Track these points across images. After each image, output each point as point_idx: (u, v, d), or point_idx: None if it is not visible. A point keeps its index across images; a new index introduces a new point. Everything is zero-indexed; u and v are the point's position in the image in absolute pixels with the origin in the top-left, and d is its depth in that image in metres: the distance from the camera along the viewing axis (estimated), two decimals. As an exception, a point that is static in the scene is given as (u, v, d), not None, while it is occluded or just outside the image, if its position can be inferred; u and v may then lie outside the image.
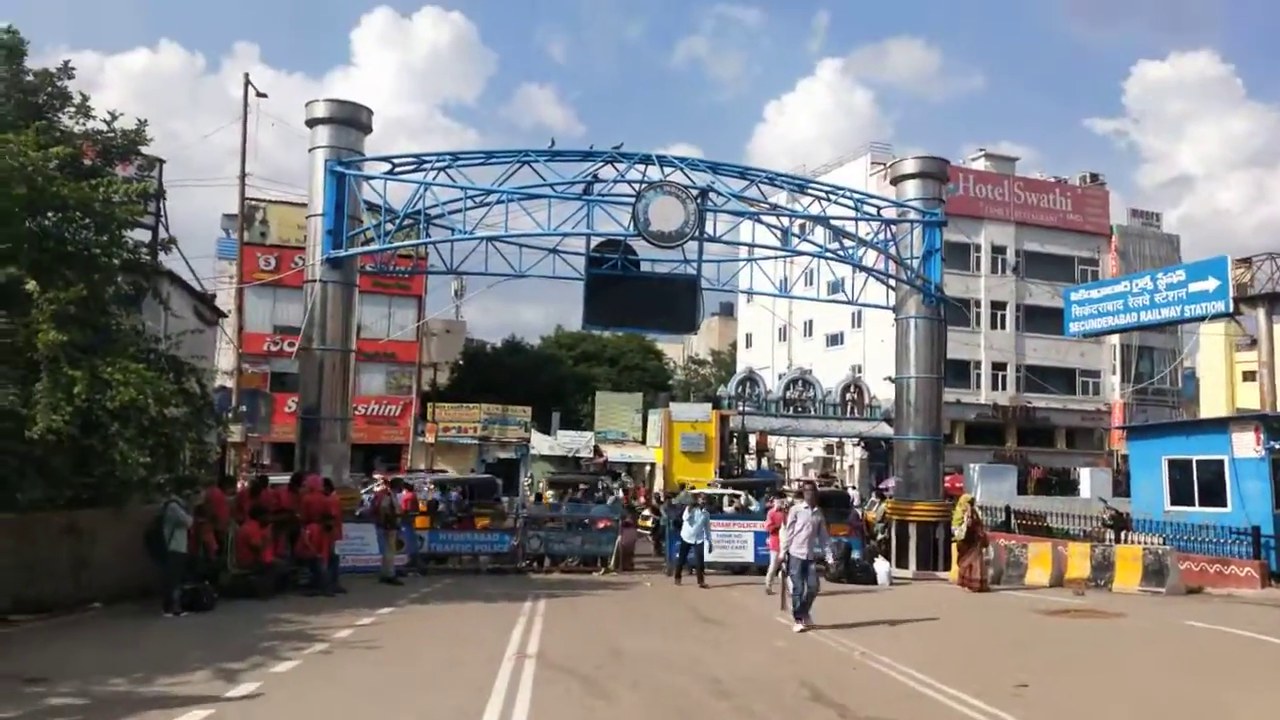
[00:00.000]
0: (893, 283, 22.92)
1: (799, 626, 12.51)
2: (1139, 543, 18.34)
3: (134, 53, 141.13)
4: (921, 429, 21.92)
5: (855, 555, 19.93)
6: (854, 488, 43.23)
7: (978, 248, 53.46)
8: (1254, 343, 77.67)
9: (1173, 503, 19.07)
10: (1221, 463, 18.21)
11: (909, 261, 21.94)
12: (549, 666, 9.68)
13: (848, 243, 22.43)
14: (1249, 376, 69.32)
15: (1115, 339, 54.74)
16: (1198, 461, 18.67)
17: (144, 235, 17.83)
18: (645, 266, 22.90)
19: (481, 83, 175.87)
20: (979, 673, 9.75)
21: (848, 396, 47.96)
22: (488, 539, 20.89)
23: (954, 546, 19.42)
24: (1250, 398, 57.53)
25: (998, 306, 53.80)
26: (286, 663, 9.70)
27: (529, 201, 20.48)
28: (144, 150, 16.17)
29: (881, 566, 19.67)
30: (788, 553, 13.37)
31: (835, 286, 24.00)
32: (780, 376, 52.12)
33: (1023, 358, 54.31)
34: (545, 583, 18.41)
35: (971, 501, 18.97)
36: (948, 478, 24.51)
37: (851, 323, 54.77)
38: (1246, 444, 17.59)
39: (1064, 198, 56.00)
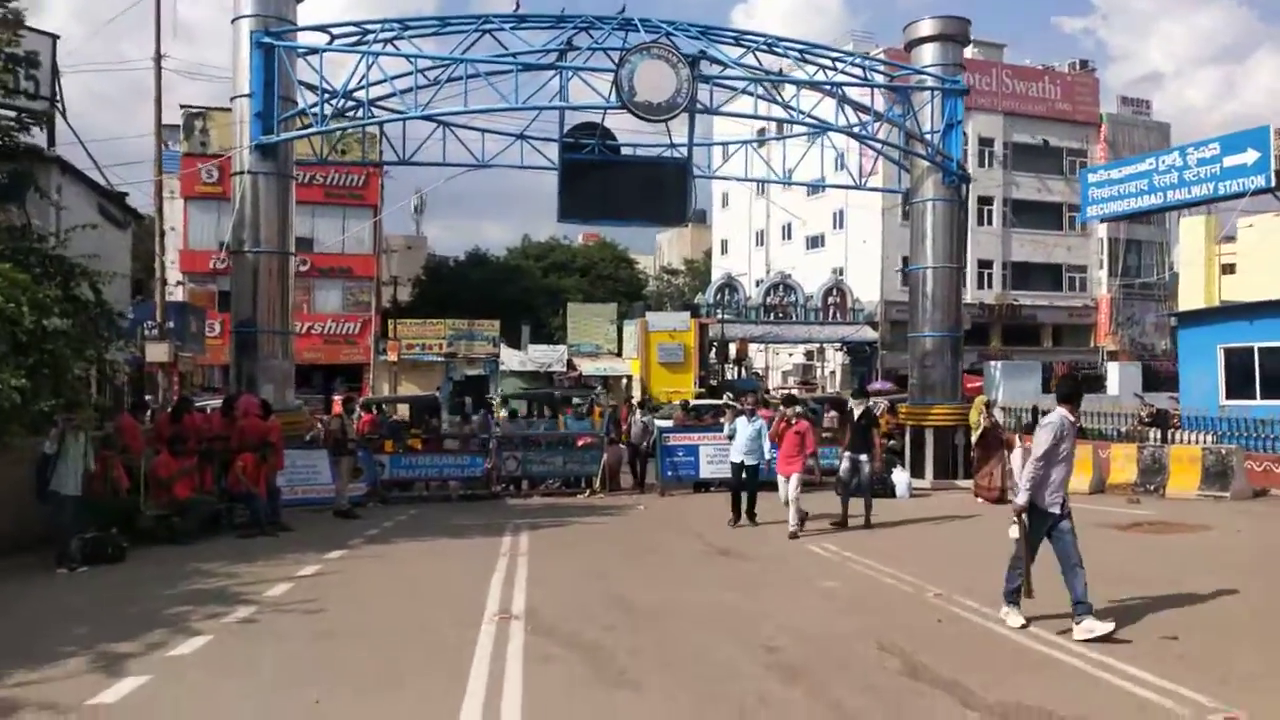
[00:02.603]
0: (907, 163, 20.34)
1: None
2: (1194, 442, 16.33)
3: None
4: (939, 325, 19.66)
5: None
6: (838, 394, 41.22)
7: (964, 139, 50.72)
8: (1230, 239, 76.14)
9: (1229, 396, 17.04)
10: (1290, 349, 16.20)
11: (928, 137, 19.33)
12: (542, 633, 7.34)
13: (858, 117, 19.71)
14: (1229, 269, 68.33)
15: (1102, 232, 53.11)
16: (1261, 349, 16.57)
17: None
18: (626, 153, 20.16)
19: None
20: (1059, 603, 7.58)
21: (830, 300, 45.93)
22: (458, 462, 18.50)
23: (973, 454, 17.35)
24: (1232, 291, 56.30)
25: (984, 202, 51.40)
26: (194, 639, 7.28)
27: (493, 77, 17.54)
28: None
29: (901, 477, 17.60)
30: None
31: (839, 162, 21.24)
32: (759, 283, 49.82)
33: (1009, 254, 52.33)
34: (525, 510, 16.13)
35: (988, 404, 16.83)
36: (966, 380, 22.34)
37: (833, 224, 52.23)
38: (1321, 328, 15.55)
39: (1053, 85, 53.25)
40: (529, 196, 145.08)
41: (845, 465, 13.32)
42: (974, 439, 16.24)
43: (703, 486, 18.90)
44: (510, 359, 44.49)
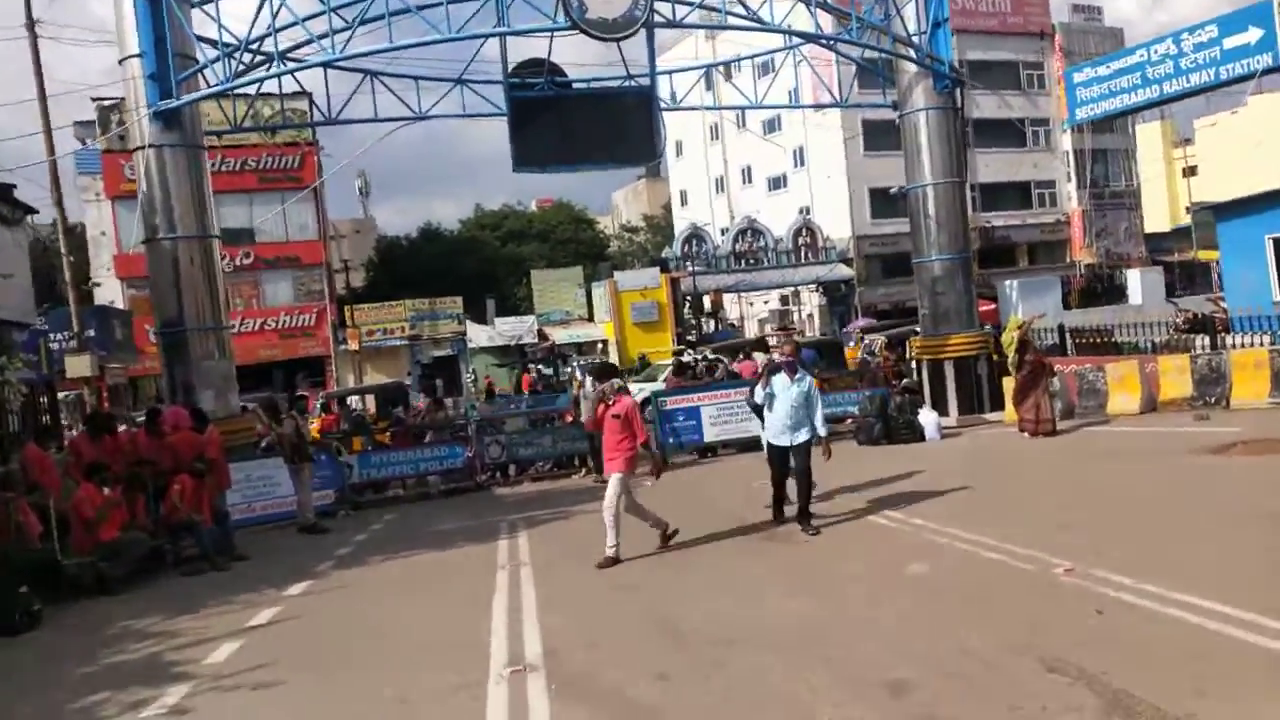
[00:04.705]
0: (890, 73, 18.33)
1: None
2: (1249, 345, 14.70)
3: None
4: (947, 246, 17.81)
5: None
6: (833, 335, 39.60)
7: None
8: (1188, 141, 75.33)
9: (1285, 291, 15.44)
10: (1355, 231, 14.54)
11: (914, 39, 17.33)
12: (573, 694, 5.41)
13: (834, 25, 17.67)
14: (1190, 172, 67.57)
15: (1067, 144, 51.89)
16: (1317, 235, 14.98)
17: None
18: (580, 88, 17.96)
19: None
20: (1272, 582, 5.82)
21: (800, 241, 44.26)
22: (435, 454, 16.48)
23: (1009, 385, 15.60)
24: (1197, 193, 55.24)
25: (947, 124, 49.55)
26: (98, 753, 5.29)
27: (424, 10, 15.27)
28: None
29: (929, 418, 15.85)
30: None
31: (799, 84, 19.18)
32: (724, 231, 47.90)
33: (976, 176, 50.78)
34: (517, 501, 14.21)
35: (1023, 326, 15.01)
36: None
37: (794, 162, 50.26)
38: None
39: (1002, -1, 51.48)
40: (479, 168, 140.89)
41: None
42: (1011, 365, 14.44)
43: (708, 451, 17.13)
44: (478, 335, 42.34)
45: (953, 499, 9.59)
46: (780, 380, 9.14)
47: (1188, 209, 58.32)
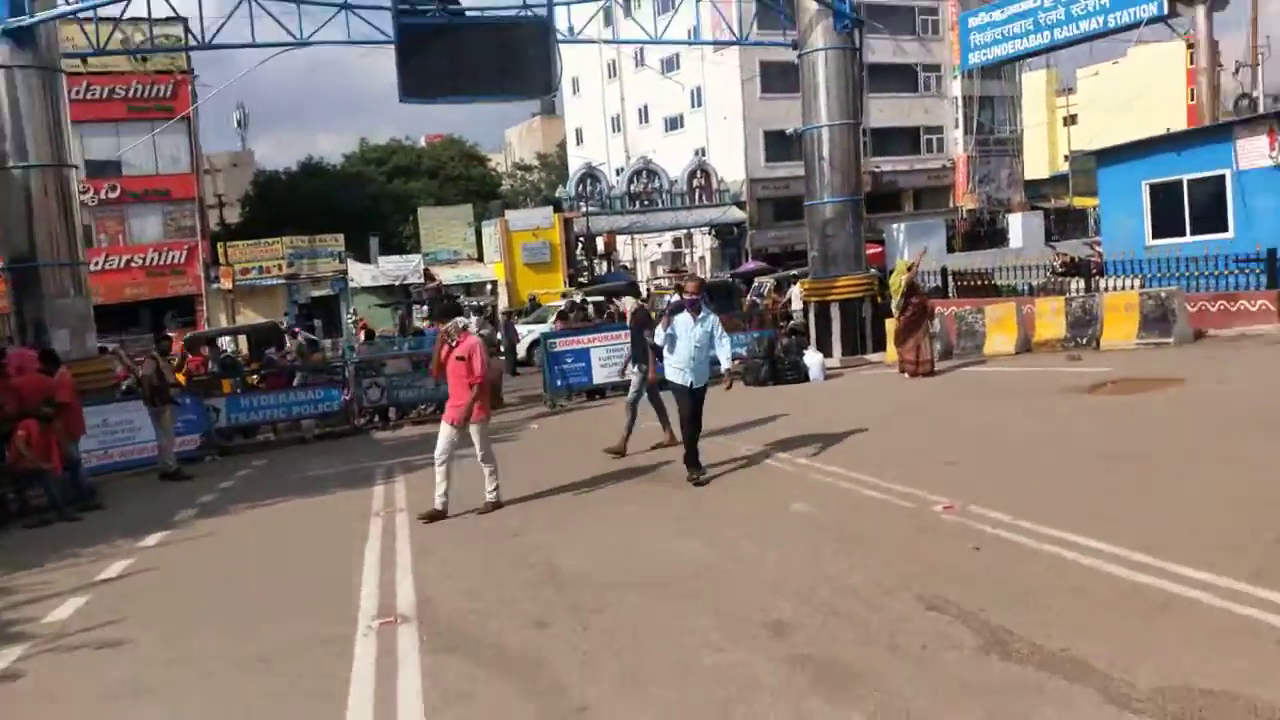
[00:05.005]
0: (789, 10, 18.07)
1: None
2: (1120, 288, 15.22)
3: None
4: (840, 189, 17.82)
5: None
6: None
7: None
8: (1071, 90, 77.72)
9: (1156, 235, 15.91)
10: (1222, 179, 14.93)
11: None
12: (446, 645, 5.13)
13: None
14: (1070, 121, 70.04)
15: (956, 90, 52.84)
16: (1189, 181, 15.35)
17: None
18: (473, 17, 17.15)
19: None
20: (1144, 518, 5.96)
21: (695, 183, 44.08)
22: (310, 397, 15.81)
23: (891, 326, 15.82)
24: (1077, 141, 57.41)
25: (840, 66, 49.80)
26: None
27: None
28: None
29: (814, 358, 16.04)
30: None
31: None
32: (619, 172, 47.29)
33: (868, 121, 51.38)
34: (396, 445, 13.74)
35: (911, 268, 15.19)
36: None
37: (691, 102, 49.79)
38: (1256, 151, 14.33)
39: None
40: (366, 101, 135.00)
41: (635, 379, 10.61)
42: (895, 308, 14.60)
43: (597, 393, 16.91)
44: (360, 274, 40.80)
45: (836, 439, 9.60)
46: (683, 320, 8.58)
47: (1066, 157, 60.57)
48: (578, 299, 23.04)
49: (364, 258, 42.01)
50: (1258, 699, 3.48)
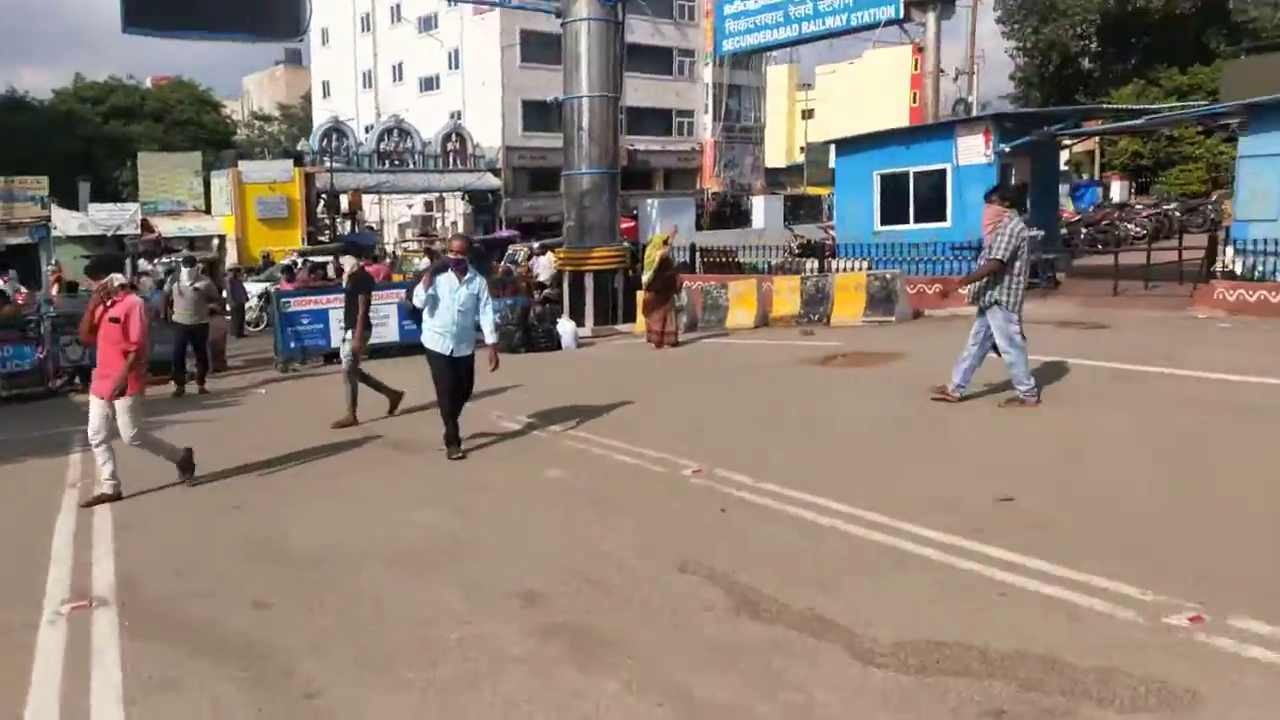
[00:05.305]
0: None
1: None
2: (849, 270, 16.27)
3: None
4: (598, 160, 17.83)
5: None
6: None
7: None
8: (810, 86, 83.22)
9: (884, 222, 17.11)
10: (943, 173, 16.25)
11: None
12: (151, 631, 4.49)
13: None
14: (808, 115, 74.95)
15: (708, 77, 54.85)
16: (915, 174, 16.61)
17: None
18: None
19: None
20: (877, 480, 6.29)
21: (449, 147, 43.03)
22: (-5, 355, 13.73)
23: (641, 297, 16.07)
24: (813, 134, 61.57)
25: (597, 44, 50.14)
26: None
27: None
28: None
29: (566, 327, 16.04)
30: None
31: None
32: (369, 129, 45.10)
33: (625, 100, 52.17)
34: (103, 410, 12.19)
35: (666, 241, 15.48)
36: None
37: (448, 64, 48.34)
38: (974, 149, 15.72)
39: (652, -79, 52.60)
40: (86, 34, 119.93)
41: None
42: (646, 280, 14.79)
43: (335, 357, 15.93)
44: (66, 223, 36.21)
45: (589, 407, 9.52)
46: (446, 280, 7.74)
47: (803, 148, 64.63)
48: (296, 260, 21.64)
49: (72, 204, 37.41)
50: (988, 647, 3.67)
